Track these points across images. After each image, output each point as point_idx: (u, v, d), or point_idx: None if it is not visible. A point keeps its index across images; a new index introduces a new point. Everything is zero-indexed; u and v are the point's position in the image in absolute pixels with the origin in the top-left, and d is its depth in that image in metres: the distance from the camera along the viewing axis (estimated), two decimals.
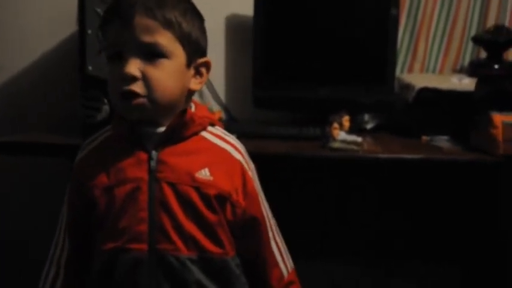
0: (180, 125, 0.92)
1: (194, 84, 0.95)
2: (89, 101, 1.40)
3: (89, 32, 1.37)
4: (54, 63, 1.78)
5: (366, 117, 1.67)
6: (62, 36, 1.75)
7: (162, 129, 0.92)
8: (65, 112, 1.71)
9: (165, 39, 0.88)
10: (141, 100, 0.88)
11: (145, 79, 0.88)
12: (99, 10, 1.36)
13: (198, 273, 0.91)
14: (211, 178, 0.91)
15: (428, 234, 1.77)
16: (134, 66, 0.87)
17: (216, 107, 1.77)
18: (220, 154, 0.94)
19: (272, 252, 0.99)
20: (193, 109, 0.97)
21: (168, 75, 0.89)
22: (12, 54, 1.81)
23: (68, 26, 1.69)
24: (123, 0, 0.88)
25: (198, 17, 0.95)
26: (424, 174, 1.65)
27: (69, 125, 1.55)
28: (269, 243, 0.98)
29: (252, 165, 0.99)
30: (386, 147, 1.43)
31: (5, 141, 1.41)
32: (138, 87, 0.87)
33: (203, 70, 0.96)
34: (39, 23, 1.78)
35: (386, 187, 1.74)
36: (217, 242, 0.92)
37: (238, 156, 0.96)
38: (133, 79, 0.87)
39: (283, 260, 1.01)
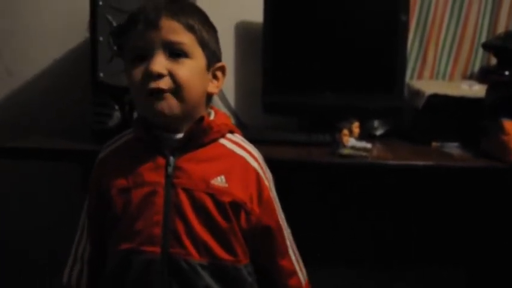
0: (198, 132, 0.93)
1: (212, 87, 0.97)
2: (100, 107, 1.41)
3: (101, 39, 1.39)
4: (66, 70, 1.80)
5: (376, 123, 1.67)
6: (74, 43, 1.77)
7: (180, 135, 0.94)
8: (76, 118, 1.72)
9: (188, 40, 0.91)
10: (168, 96, 0.89)
11: (171, 75, 0.89)
12: (110, 17, 1.37)
13: (208, 279, 0.91)
14: (226, 185, 0.92)
15: (438, 240, 1.76)
16: (160, 64, 0.88)
17: (225, 113, 1.78)
18: (237, 161, 0.95)
19: (291, 261, 1.00)
20: (212, 116, 0.99)
21: (192, 73, 0.91)
22: (24, 61, 1.83)
23: (80, 33, 1.71)
24: (149, 5, 0.91)
25: (213, 28, 0.98)
26: (434, 181, 1.64)
27: (80, 131, 1.57)
28: (287, 251, 0.99)
29: (269, 175, 1.00)
30: (396, 153, 1.43)
31: (17, 146, 1.43)
32: (164, 84, 0.89)
33: (219, 74, 0.98)
34: (51, 30, 1.80)
35: (396, 193, 1.73)
36: (230, 249, 0.93)
37: (254, 164, 0.97)
38: (159, 76, 0.88)
39: (301, 269, 1.02)
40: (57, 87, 1.81)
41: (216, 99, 1.78)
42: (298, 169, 1.38)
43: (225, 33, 1.76)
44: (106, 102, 1.40)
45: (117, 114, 1.40)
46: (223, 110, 1.78)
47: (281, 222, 0.99)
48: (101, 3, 1.38)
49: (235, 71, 1.80)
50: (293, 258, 1.01)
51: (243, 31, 1.78)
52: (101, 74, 1.40)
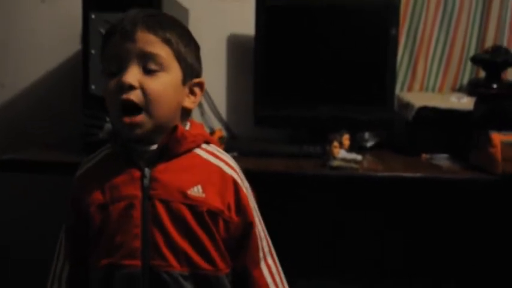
0: (172, 142, 0.93)
1: (188, 102, 0.96)
2: (91, 119, 1.42)
3: (93, 51, 1.39)
4: (57, 82, 1.81)
5: (366, 135, 1.68)
6: (66, 55, 1.78)
7: (154, 146, 0.93)
8: (67, 130, 1.72)
9: (163, 53, 0.91)
10: (140, 117, 0.89)
11: (143, 89, 0.89)
12: (102, 30, 1.38)
13: None
14: (203, 195, 0.92)
15: (428, 252, 1.77)
16: (132, 76, 0.88)
17: (217, 125, 1.78)
18: (213, 170, 0.95)
19: (261, 272, 0.97)
20: (187, 127, 0.98)
21: (165, 87, 0.91)
22: (15, 73, 1.83)
23: (72, 46, 1.72)
24: (126, 18, 0.91)
25: (194, 43, 0.98)
26: (424, 193, 1.65)
27: (71, 143, 1.57)
28: (259, 263, 0.97)
29: (246, 184, 0.99)
30: (386, 165, 1.44)
31: (8, 158, 1.42)
32: (135, 97, 0.88)
33: (197, 90, 0.98)
34: (43, 43, 1.81)
35: (386, 205, 1.74)
36: (209, 259, 0.92)
37: (231, 172, 0.96)
38: (130, 88, 0.88)
39: (275, 283, 0.98)
40: (49, 99, 1.82)
41: (207, 111, 1.79)
42: (288, 181, 1.38)
43: (217, 46, 1.79)
44: (97, 114, 1.41)
45: (108, 126, 1.40)
46: (214, 122, 1.79)
47: (257, 232, 0.97)
48: (93, 16, 1.39)
49: (227, 83, 1.81)
50: (265, 270, 0.98)
51: (235, 44, 1.80)
52: (93, 87, 1.41)
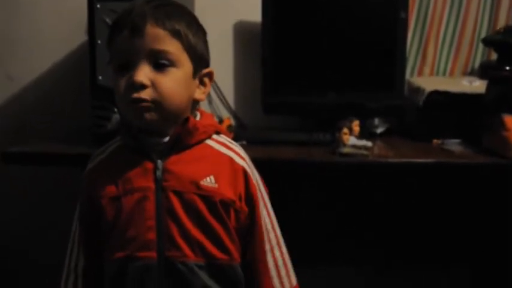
0: (184, 134, 0.93)
1: (199, 94, 0.96)
2: (99, 110, 1.41)
3: (99, 42, 1.39)
4: (64, 74, 1.80)
5: (376, 121, 1.67)
6: (72, 46, 1.77)
7: (166, 138, 0.94)
8: (75, 122, 1.72)
9: (173, 48, 0.90)
10: (150, 104, 0.89)
11: (155, 86, 0.89)
12: (109, 20, 1.37)
13: (205, 279, 0.92)
14: (216, 185, 0.92)
15: (440, 238, 1.75)
16: (143, 74, 0.88)
17: (225, 114, 1.77)
18: (225, 161, 0.95)
19: (266, 265, 0.97)
20: (198, 118, 0.98)
21: (176, 82, 0.91)
22: (22, 65, 1.83)
23: (78, 37, 1.71)
24: (134, 10, 0.90)
25: (202, 30, 0.97)
26: (436, 178, 1.63)
27: (79, 134, 1.57)
28: (265, 254, 0.97)
29: (257, 175, 0.99)
30: (397, 151, 1.43)
31: (16, 151, 1.43)
32: (147, 94, 0.88)
33: (206, 80, 0.98)
34: (49, 34, 1.80)
35: (397, 192, 1.73)
36: (223, 248, 0.93)
37: (242, 162, 0.96)
38: (142, 87, 0.88)
39: (279, 276, 0.98)
40: (57, 91, 1.82)
41: (215, 100, 1.78)
42: (298, 169, 1.37)
43: (224, 33, 1.77)
44: (105, 105, 1.40)
45: (116, 117, 1.40)
46: (222, 110, 1.78)
47: (263, 224, 0.97)
48: (98, 6, 1.38)
49: (235, 71, 1.80)
50: (270, 263, 0.97)
51: (242, 31, 1.78)
52: (100, 77, 1.40)
